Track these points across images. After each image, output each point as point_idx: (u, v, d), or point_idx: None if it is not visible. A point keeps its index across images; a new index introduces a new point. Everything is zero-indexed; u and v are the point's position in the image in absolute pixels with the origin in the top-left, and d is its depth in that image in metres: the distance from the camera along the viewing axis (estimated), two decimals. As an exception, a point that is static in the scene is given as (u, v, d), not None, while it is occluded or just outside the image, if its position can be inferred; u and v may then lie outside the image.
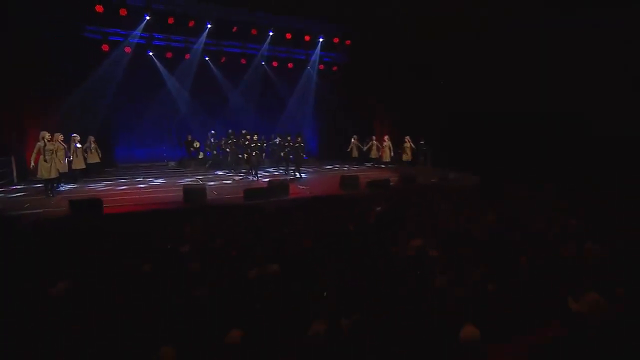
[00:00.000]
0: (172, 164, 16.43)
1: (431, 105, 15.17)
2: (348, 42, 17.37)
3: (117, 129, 15.84)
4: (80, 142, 11.55)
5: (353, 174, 11.60)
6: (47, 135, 9.46)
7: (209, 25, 14.59)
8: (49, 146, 9.40)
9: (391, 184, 11.58)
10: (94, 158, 13.17)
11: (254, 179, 12.22)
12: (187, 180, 12.15)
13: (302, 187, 11.11)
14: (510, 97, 12.08)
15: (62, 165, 10.30)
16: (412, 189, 11.05)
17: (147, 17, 13.57)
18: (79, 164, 11.46)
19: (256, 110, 18.28)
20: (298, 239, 6.24)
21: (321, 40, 16.83)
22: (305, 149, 14.37)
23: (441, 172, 13.17)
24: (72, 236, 6.60)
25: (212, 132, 16.18)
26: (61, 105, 12.85)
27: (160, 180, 12.22)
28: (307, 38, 16.64)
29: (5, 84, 10.92)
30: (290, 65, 17.93)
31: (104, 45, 14.03)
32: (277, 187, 9.81)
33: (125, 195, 9.52)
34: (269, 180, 10.51)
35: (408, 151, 15.75)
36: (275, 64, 17.63)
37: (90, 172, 12.66)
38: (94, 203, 7.67)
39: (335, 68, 18.84)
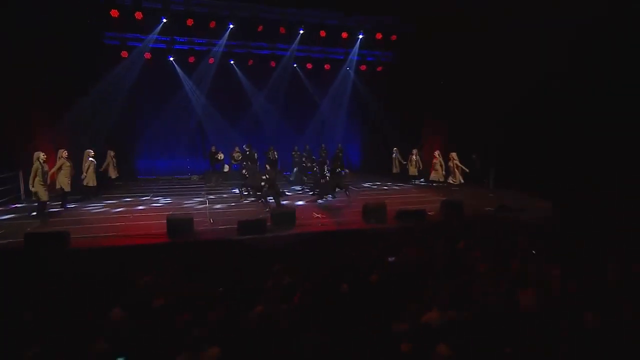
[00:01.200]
0: (194, 177, 16.00)
1: (493, 112, 13.02)
2: (394, 37, 15.67)
3: (139, 140, 15.73)
4: (95, 157, 11.31)
5: (381, 200, 9.98)
6: (41, 155, 9.16)
7: (231, 26, 13.78)
8: (45, 167, 9.17)
9: (431, 213, 9.84)
10: (114, 173, 13.03)
11: (270, 201, 10.97)
12: (195, 200, 11.43)
13: (317, 215, 9.78)
14: (598, 101, 9.76)
15: (67, 183, 10.08)
16: (454, 223, 9.21)
17: (164, 20, 13.09)
18: (91, 181, 11.20)
19: (288, 118, 17.39)
20: (273, 298, 5.03)
21: (361, 37, 15.31)
22: (334, 162, 12.98)
23: (500, 196, 11.11)
24: (24, 274, 6.05)
25: (247, 144, 15.49)
26: (77, 119, 12.80)
27: (167, 200, 11.62)
28: (344, 35, 15.25)
29: (17, 98, 10.96)
30: (327, 66, 16.67)
31: (123, 51, 13.86)
32: (280, 217, 8.59)
33: (110, 222, 8.91)
34: (273, 208, 9.31)
35: (438, 168, 13.76)
36: (309, 65, 16.46)
37: (110, 188, 12.71)
38: (56, 237, 7.02)
39: (379, 68, 17.23)
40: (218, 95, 16.14)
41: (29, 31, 10.86)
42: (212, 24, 13.76)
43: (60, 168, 10.08)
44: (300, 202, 11.40)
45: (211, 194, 12.29)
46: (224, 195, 12.32)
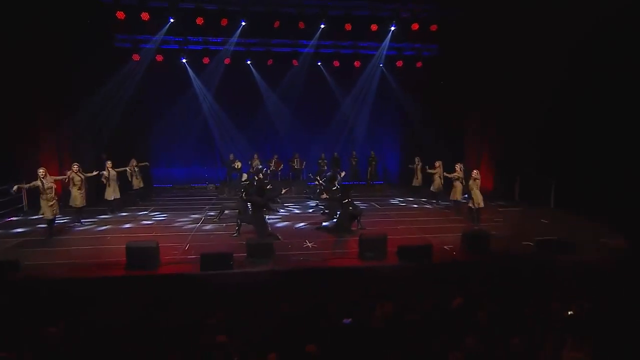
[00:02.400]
0: (211, 186, 15.81)
1: (561, 116, 11.21)
2: (434, 27, 14.14)
3: (154, 147, 15.86)
4: (113, 167, 11.37)
5: (382, 231, 8.81)
6: (40, 171, 9.11)
7: (243, 23, 13.24)
8: (47, 184, 9.10)
9: (449, 247, 8.52)
10: (139, 183, 13.12)
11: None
12: (191, 218, 11.08)
13: (309, 244, 8.88)
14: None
15: (80, 198, 10.14)
16: (474, 267, 7.82)
17: (172, 20, 12.90)
18: (111, 194, 11.30)
19: (313, 123, 16.60)
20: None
21: (393, 28, 13.98)
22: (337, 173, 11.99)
23: (560, 221, 9.99)
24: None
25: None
26: (87, 126, 13.02)
27: (162, 216, 11.41)
28: (374, 27, 14.02)
29: (26, 108, 11.35)
30: (357, 63, 15.55)
31: (134, 54, 13.94)
32: (255, 249, 7.83)
33: (80, 245, 8.74)
34: (250, 238, 8.54)
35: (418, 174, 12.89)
36: (336, 63, 15.46)
37: (135, 199, 12.97)
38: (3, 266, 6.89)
39: (419, 64, 15.73)
40: (234, 99, 15.84)
41: (37, 35, 11.06)
42: (224, 22, 13.30)
43: (72, 182, 10.08)
44: (300, 224, 10.59)
45: (212, 211, 11.85)
46: (226, 212, 11.82)
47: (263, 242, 8.10)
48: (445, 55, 15.09)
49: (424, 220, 11.14)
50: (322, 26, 13.54)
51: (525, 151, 13.28)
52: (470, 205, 10.30)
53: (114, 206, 11.59)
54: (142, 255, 7.53)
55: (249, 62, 15.16)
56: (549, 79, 11.21)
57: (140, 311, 5.65)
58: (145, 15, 12.69)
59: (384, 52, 15.19)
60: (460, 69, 14.13)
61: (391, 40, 14.65)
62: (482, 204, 10.13)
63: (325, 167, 15.88)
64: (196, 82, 15.17)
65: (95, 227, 10.24)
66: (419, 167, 13.66)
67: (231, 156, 15.51)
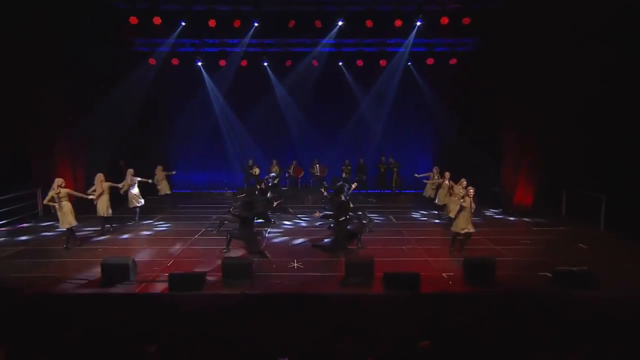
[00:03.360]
0: (229, 193, 16.01)
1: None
2: (466, 20, 13.25)
3: (174, 152, 16.37)
4: (135, 174, 11.85)
5: (369, 254, 8.34)
6: (57, 182, 9.47)
7: (256, 24, 13.23)
8: (63, 193, 9.50)
9: (447, 275, 7.92)
10: (165, 189, 13.61)
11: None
12: (190, 229, 11.21)
13: (296, 264, 8.63)
14: None
15: (104, 208, 10.50)
16: (470, 300, 7.18)
17: (183, 23, 13.18)
18: (135, 201, 11.79)
19: (336, 128, 16.38)
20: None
21: (419, 24, 13.29)
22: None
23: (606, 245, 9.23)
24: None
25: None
26: (106, 134, 13.66)
27: (165, 227, 11.66)
28: (398, 23, 13.41)
29: (42, 117, 12.10)
30: (382, 62, 14.99)
31: (151, 59, 14.41)
32: (231, 269, 7.72)
33: (69, 257, 9.11)
34: (227, 257, 8.41)
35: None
36: (360, 62, 15.01)
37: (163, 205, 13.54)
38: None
39: (453, 61, 14.85)
40: (252, 102, 15.91)
41: (50, 41, 11.67)
42: (237, 23, 13.36)
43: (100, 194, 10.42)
44: (299, 240, 10.33)
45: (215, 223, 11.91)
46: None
47: (240, 262, 7.97)
48: (483, 50, 14.10)
49: (436, 240, 10.39)
50: (340, 23, 13.21)
51: (572, 160, 12.15)
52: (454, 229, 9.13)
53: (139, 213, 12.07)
54: (116, 272, 7.69)
55: (265, 64, 15.12)
56: (602, 81, 10.16)
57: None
58: (157, 20, 13.04)
59: (410, 49, 14.50)
60: (499, 66, 13.15)
61: (420, 36, 13.96)
62: (470, 229, 8.95)
63: (345, 175, 15.53)
64: (210, 85, 15.44)
65: (94, 236, 10.63)
66: (435, 178, 12.77)
67: (250, 162, 15.59)
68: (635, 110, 10.24)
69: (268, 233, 11.00)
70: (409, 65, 15.27)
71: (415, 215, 13.15)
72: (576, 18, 10.61)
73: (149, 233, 11.02)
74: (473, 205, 8.72)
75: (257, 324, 6.49)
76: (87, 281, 7.84)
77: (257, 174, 15.39)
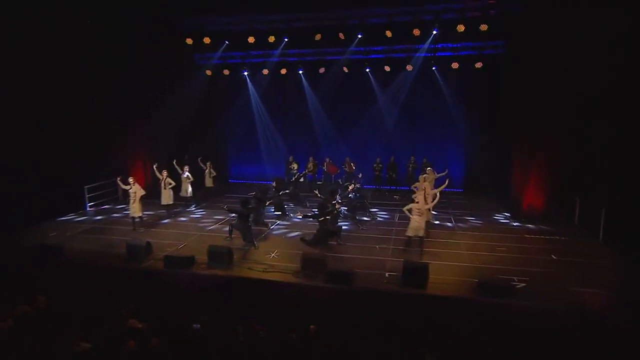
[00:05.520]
0: (273, 185, 17.94)
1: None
2: (484, 27, 13.28)
3: (230, 145, 19.18)
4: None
5: (321, 254, 9.62)
6: (131, 180, 12.08)
7: (286, 40, 14.90)
8: (132, 189, 11.98)
9: (388, 274, 8.89)
10: (210, 183, 16.26)
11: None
12: (215, 218, 13.31)
13: (273, 254, 10.23)
14: None
15: (167, 197, 13.31)
16: (401, 301, 8.16)
17: (227, 42, 15.35)
18: (186, 192, 14.44)
19: (369, 129, 17.39)
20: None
21: (435, 32, 13.70)
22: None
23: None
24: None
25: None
26: (173, 134, 16.55)
27: (199, 214, 13.97)
28: (416, 32, 13.94)
29: (123, 123, 15.18)
30: (408, 67, 15.54)
31: (207, 70, 16.91)
32: (215, 254, 9.60)
33: (113, 235, 11.76)
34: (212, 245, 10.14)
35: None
36: (387, 68, 15.77)
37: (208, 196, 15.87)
38: (49, 250, 10.14)
39: (479, 64, 14.82)
40: (291, 105, 17.94)
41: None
42: (272, 39, 15.11)
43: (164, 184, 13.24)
44: (293, 234, 11.82)
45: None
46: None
47: (223, 249, 9.77)
48: (504, 54, 13.99)
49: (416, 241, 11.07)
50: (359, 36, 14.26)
51: (586, 165, 11.79)
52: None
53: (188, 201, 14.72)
54: (135, 251, 10.05)
55: (300, 72, 16.69)
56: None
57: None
58: (207, 40, 15.35)
59: (435, 54, 15.01)
60: (519, 68, 13.00)
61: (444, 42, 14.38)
62: (420, 232, 9.67)
63: (377, 173, 16.57)
64: (253, 91, 17.63)
65: (145, 219, 13.29)
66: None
67: (290, 158, 17.36)
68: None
69: (276, 225, 12.69)
70: (434, 70, 15.62)
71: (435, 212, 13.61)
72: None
73: (184, 219, 13.41)
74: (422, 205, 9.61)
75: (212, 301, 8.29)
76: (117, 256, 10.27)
77: (295, 169, 17.17)
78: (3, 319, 6.36)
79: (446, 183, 11.47)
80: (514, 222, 12.82)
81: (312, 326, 6.72)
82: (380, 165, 16.93)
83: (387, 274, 8.99)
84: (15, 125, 11.34)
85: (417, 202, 9.92)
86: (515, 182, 13.21)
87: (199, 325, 6.66)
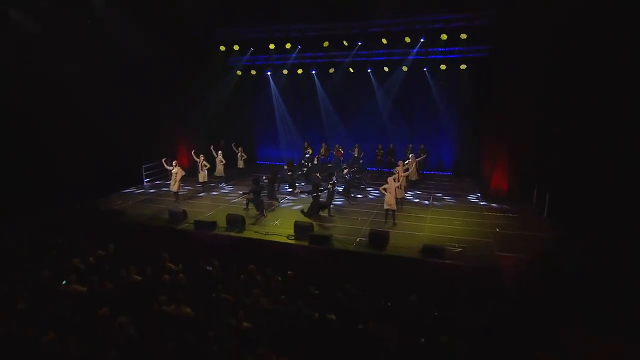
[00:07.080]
0: (286, 167, 20.70)
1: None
2: (463, 35, 15.21)
3: (258, 130, 22.35)
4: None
5: (313, 221, 12.25)
6: (174, 162, 15.26)
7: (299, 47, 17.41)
8: (174, 171, 15.10)
9: (359, 239, 11.43)
10: (241, 164, 19.23)
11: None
12: (239, 193, 16.19)
13: (277, 221, 13.01)
14: None
15: (203, 175, 16.36)
16: (360, 259, 10.78)
17: (252, 49, 18.17)
18: (221, 171, 17.55)
19: (374, 121, 19.87)
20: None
21: (422, 40, 15.74)
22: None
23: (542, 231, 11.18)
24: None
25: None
26: (210, 123, 19.63)
27: (227, 189, 16.99)
28: (407, 39, 16.06)
29: (162, 112, 18.42)
30: (404, 68, 17.62)
31: (238, 71, 19.81)
32: (231, 220, 12.49)
33: (161, 204, 14.95)
34: (230, 213, 13.02)
35: None
36: (386, 69, 17.95)
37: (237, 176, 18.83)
38: (112, 214, 13.50)
39: (463, 66, 16.67)
40: (306, 100, 20.54)
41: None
42: (288, 46, 17.70)
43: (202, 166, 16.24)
44: (298, 207, 14.43)
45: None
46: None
47: (238, 216, 12.66)
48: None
49: (401, 215, 13.23)
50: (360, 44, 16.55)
51: (545, 150, 13.58)
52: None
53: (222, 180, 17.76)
54: (174, 217, 13.17)
55: (314, 72, 19.21)
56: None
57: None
58: (236, 46, 18.15)
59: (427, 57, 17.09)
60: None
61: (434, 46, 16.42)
62: (393, 207, 12.21)
63: (379, 157, 18.98)
64: (274, 88, 20.27)
65: (186, 192, 16.44)
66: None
67: (305, 144, 19.94)
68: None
69: (286, 199, 15.45)
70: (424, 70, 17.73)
71: (411, 193, 15.99)
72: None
73: (215, 194, 16.49)
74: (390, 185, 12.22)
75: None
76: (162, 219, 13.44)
77: (310, 153, 19.78)
78: (88, 258, 9.59)
79: (411, 169, 14.48)
80: (482, 201, 14.83)
81: (289, 272, 9.36)
82: (382, 151, 19.25)
83: (358, 239, 11.47)
84: (89, 122, 14.54)
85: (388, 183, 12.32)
86: (486, 167, 15.10)
87: (210, 267, 9.56)
